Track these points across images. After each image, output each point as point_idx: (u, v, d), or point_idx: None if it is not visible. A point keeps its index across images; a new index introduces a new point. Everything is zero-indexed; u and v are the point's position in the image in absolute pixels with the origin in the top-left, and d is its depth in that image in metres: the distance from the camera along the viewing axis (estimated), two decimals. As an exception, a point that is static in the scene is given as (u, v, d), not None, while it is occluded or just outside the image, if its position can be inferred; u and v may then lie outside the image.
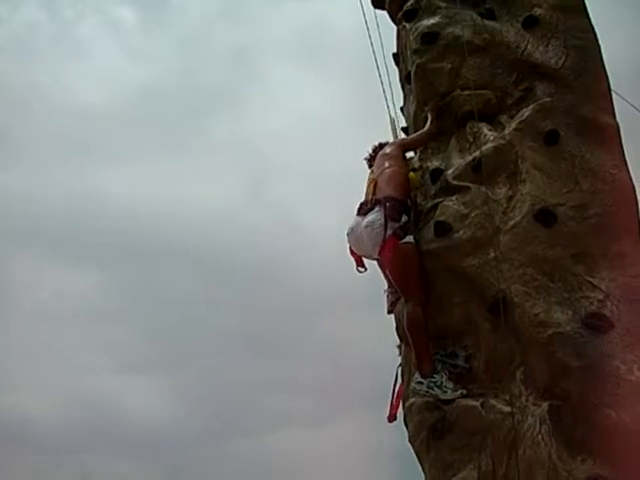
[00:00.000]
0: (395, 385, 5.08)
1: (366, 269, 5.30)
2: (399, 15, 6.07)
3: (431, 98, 5.44)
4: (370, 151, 5.82)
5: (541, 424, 3.98)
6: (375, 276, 5.60)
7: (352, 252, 5.28)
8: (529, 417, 4.05)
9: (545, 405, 4.02)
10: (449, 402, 4.35)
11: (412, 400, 4.46)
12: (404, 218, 4.85)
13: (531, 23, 5.43)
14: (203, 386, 17.45)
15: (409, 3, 5.96)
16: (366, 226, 4.93)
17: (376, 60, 6.85)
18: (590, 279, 4.32)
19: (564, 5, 5.55)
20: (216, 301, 18.51)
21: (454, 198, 4.75)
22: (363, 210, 5.05)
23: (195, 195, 20.31)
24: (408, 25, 5.84)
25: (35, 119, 21.30)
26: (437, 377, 4.44)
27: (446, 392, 4.39)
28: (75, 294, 19.21)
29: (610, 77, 5.39)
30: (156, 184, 20.81)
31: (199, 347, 17.79)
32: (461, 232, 4.59)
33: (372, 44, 6.98)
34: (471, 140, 5.07)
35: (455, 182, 4.85)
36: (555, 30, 5.38)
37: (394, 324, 5.06)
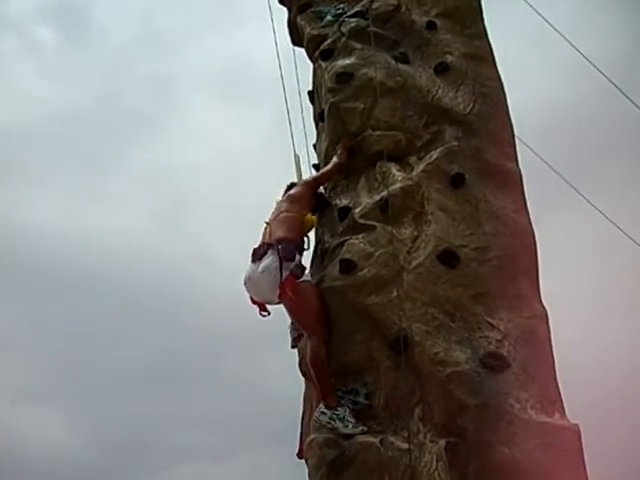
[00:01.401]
0: (303, 420, 5.08)
1: (269, 313, 5.17)
2: (316, 54, 6.17)
3: (343, 137, 5.52)
4: (283, 193, 5.74)
5: (437, 461, 4.03)
6: (283, 311, 5.61)
7: (252, 300, 5.13)
8: (426, 454, 4.10)
9: (442, 442, 4.08)
10: (349, 437, 4.36)
11: (313, 436, 4.45)
12: (297, 258, 4.85)
13: (442, 69, 5.62)
14: (105, 419, 16.94)
15: (326, 43, 6.07)
16: (262, 271, 4.85)
17: (286, 100, 6.96)
18: (489, 319, 4.44)
19: (474, 54, 5.79)
20: (121, 332, 18.08)
21: (360, 236, 4.81)
22: (257, 255, 4.95)
23: (107, 222, 19.87)
24: (324, 64, 5.94)
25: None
26: (340, 410, 4.45)
27: (347, 426, 4.40)
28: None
29: (515, 124, 5.63)
30: (68, 210, 20.30)
31: (101, 378, 17.29)
32: (365, 270, 4.64)
33: (283, 84, 7.10)
34: (380, 180, 5.16)
35: (362, 221, 4.92)
36: (465, 77, 5.59)
37: (297, 359, 5.07)
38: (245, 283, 5.05)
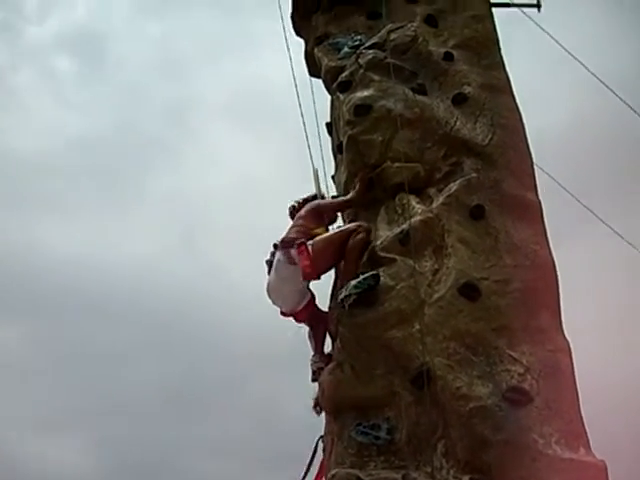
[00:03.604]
0: (313, 458, 5.08)
1: (303, 320, 5.47)
2: (334, 86, 6.20)
3: (361, 169, 5.53)
4: (295, 204, 5.95)
5: (461, 497, 4.00)
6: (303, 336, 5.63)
7: (282, 313, 5.37)
8: (450, 490, 4.07)
9: (466, 478, 4.04)
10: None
11: (334, 471, 4.41)
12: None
13: (460, 100, 5.64)
14: (124, 444, 16.95)
15: (344, 75, 6.10)
16: (275, 268, 5.14)
17: (302, 114, 6.97)
18: (511, 353, 4.40)
19: (492, 84, 5.81)
20: (141, 355, 18.14)
21: (381, 270, 4.80)
22: (270, 265, 5.25)
23: (125, 249, 20.03)
24: (342, 96, 5.97)
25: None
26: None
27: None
28: (-4, 346, 18.55)
29: (534, 151, 5.63)
30: (84, 235, 20.46)
31: (122, 403, 17.31)
32: (386, 304, 4.63)
33: (301, 107, 7.12)
34: (400, 212, 5.16)
35: (382, 254, 4.92)
36: (483, 108, 5.60)
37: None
38: (269, 295, 5.28)
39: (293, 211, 5.89)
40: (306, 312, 5.41)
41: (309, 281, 5.27)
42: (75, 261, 19.28)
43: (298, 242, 5.09)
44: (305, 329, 5.58)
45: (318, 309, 5.49)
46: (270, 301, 5.34)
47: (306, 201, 5.90)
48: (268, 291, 5.29)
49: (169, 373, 17.74)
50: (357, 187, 5.49)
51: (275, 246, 5.24)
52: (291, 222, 5.64)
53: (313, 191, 6.19)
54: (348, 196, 5.57)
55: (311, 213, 5.54)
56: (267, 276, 5.28)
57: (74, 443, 18.00)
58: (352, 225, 5.17)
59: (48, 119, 21.87)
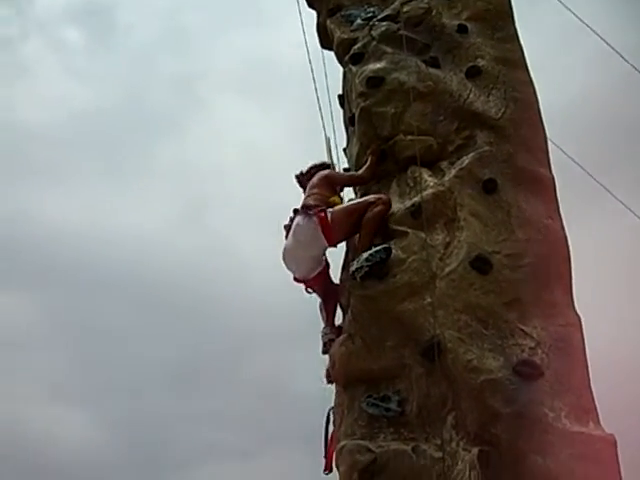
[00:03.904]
0: (327, 431, 5.10)
1: (314, 291, 5.51)
2: (346, 58, 6.17)
3: (374, 141, 5.52)
4: (304, 170, 5.97)
5: (470, 470, 3.99)
6: (314, 312, 5.65)
7: (295, 279, 5.42)
8: (459, 462, 4.06)
9: (475, 451, 4.04)
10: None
11: (343, 443, 4.44)
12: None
13: (474, 73, 5.59)
14: (129, 417, 17.08)
15: (356, 47, 6.06)
16: (293, 231, 5.20)
17: (314, 80, 6.93)
18: (522, 327, 4.39)
19: (506, 58, 5.75)
20: (146, 329, 18.21)
21: (392, 242, 4.80)
22: (288, 229, 5.30)
23: (133, 221, 20.06)
24: (354, 68, 5.94)
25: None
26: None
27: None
28: (4, 318, 18.65)
29: (548, 126, 5.59)
30: (93, 208, 20.50)
31: (126, 376, 17.43)
32: (398, 277, 4.63)
33: (314, 78, 7.08)
34: (411, 185, 5.15)
35: (394, 226, 4.92)
36: (496, 81, 5.55)
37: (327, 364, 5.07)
38: (284, 259, 5.31)
39: (301, 178, 5.93)
40: (318, 280, 5.44)
41: (325, 248, 5.29)
42: (81, 233, 19.36)
43: (319, 209, 5.13)
44: (317, 301, 5.60)
45: (331, 280, 5.52)
46: (284, 265, 5.38)
47: (314, 168, 5.93)
48: (283, 255, 5.33)
49: (175, 347, 17.84)
50: (368, 162, 5.48)
51: (295, 211, 5.31)
52: (300, 189, 5.74)
53: (321, 159, 6.18)
54: (359, 172, 5.56)
55: (324, 182, 5.55)
56: (284, 240, 5.33)
57: (81, 416, 18.16)
58: (371, 197, 5.15)
59: (56, 90, 21.83)
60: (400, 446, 4.27)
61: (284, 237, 5.35)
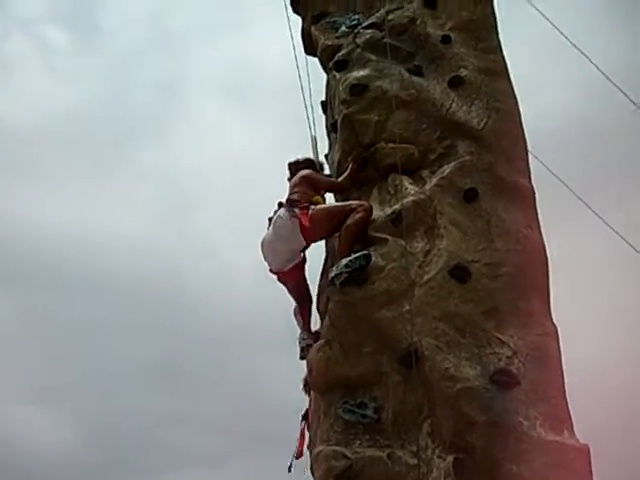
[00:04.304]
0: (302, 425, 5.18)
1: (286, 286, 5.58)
2: (330, 64, 6.18)
3: (355, 148, 5.54)
4: (300, 159, 6.10)
5: (445, 477, 4.01)
6: (291, 316, 5.65)
7: (270, 270, 5.50)
8: (434, 470, 4.08)
9: (450, 458, 4.05)
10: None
11: (319, 448, 4.44)
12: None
13: (456, 83, 5.63)
14: (105, 418, 16.96)
15: (340, 54, 6.08)
16: (275, 222, 5.31)
17: (300, 78, 6.94)
18: (499, 336, 4.42)
19: (489, 68, 5.79)
20: (128, 332, 18.11)
21: (372, 249, 4.81)
22: (271, 221, 5.41)
23: (114, 222, 19.95)
24: (338, 75, 5.95)
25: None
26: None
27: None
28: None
29: (528, 137, 5.62)
30: (75, 209, 20.36)
31: (107, 379, 17.33)
32: (377, 283, 4.63)
33: (301, 82, 7.06)
34: (392, 192, 5.17)
35: (374, 233, 4.92)
36: (479, 91, 5.59)
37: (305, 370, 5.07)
38: (262, 249, 5.43)
39: (292, 167, 6.04)
40: (293, 275, 5.50)
41: (303, 244, 5.36)
42: (62, 234, 19.24)
43: (302, 205, 5.22)
44: (292, 306, 5.60)
45: (305, 279, 5.58)
46: (261, 256, 5.47)
47: (299, 164, 5.99)
48: (262, 245, 5.44)
49: (155, 348, 17.77)
50: (348, 170, 5.51)
51: (280, 204, 5.39)
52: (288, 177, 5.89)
53: (309, 155, 6.25)
54: (340, 179, 5.60)
55: (305, 181, 5.59)
56: (265, 231, 5.42)
57: (58, 415, 18.05)
58: (354, 203, 5.17)
59: (39, 90, 21.72)
60: (376, 452, 4.28)
61: (265, 228, 5.44)
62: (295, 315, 5.60)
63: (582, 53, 8.35)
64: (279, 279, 5.56)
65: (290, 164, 6.08)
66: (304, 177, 5.63)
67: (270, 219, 5.44)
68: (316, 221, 5.16)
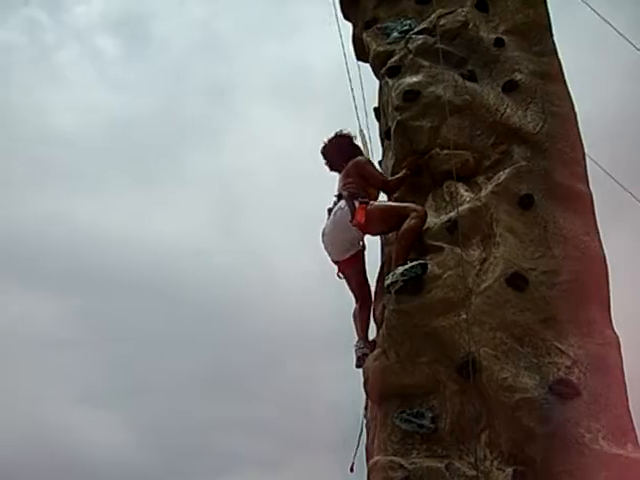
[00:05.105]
0: (359, 439, 5.11)
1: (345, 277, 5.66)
2: (382, 71, 6.16)
3: (409, 155, 5.52)
4: (327, 142, 6.11)
5: (505, 489, 3.97)
6: (345, 321, 5.65)
7: (333, 261, 5.62)
8: (493, 481, 4.04)
9: (509, 470, 4.01)
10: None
11: (376, 458, 4.42)
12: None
13: (511, 87, 5.56)
14: (159, 422, 17.17)
15: (393, 60, 6.05)
16: (335, 213, 5.41)
17: (350, 80, 6.94)
18: (558, 345, 4.35)
19: (544, 72, 5.71)
20: (179, 337, 18.27)
21: (428, 258, 4.78)
22: (331, 212, 5.52)
23: (165, 228, 20.24)
24: (391, 81, 5.93)
25: (8, 142, 21.11)
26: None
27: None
28: (33, 320, 18.87)
29: (585, 140, 5.52)
30: (126, 214, 20.71)
31: (158, 382, 17.53)
32: (433, 292, 4.60)
33: (352, 86, 7.08)
34: (447, 200, 5.13)
35: (430, 241, 4.89)
36: (534, 96, 5.51)
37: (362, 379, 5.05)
38: (323, 239, 5.56)
39: (326, 150, 6.08)
40: (352, 264, 5.57)
41: (362, 237, 5.48)
42: (114, 239, 19.55)
43: (362, 199, 5.30)
44: (351, 309, 5.60)
45: (364, 272, 5.65)
46: (322, 246, 5.60)
47: (340, 137, 6.06)
48: (322, 236, 5.57)
49: (205, 355, 17.90)
50: (401, 174, 5.51)
51: (339, 196, 5.48)
52: (324, 160, 6.07)
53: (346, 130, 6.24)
54: (391, 178, 5.62)
55: (358, 174, 5.64)
56: (325, 222, 5.57)
57: (111, 420, 18.29)
58: (411, 206, 5.14)
59: (92, 98, 22.16)
60: (433, 463, 4.24)
61: (325, 219, 5.57)
62: (354, 319, 5.58)
63: (637, 49, 8.13)
64: (339, 270, 5.63)
65: (325, 145, 6.09)
66: (357, 172, 5.65)
67: (330, 210, 5.55)
68: (372, 218, 5.22)
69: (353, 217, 5.24)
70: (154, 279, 18.79)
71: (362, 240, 5.56)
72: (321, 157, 6.13)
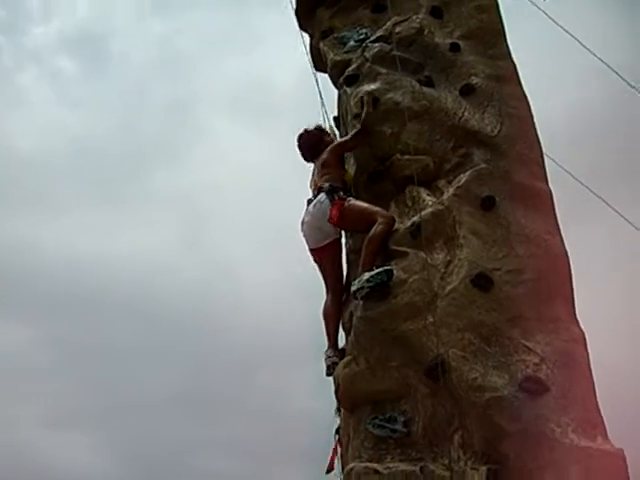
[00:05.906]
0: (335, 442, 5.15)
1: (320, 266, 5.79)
2: (340, 80, 6.19)
3: (370, 162, 5.56)
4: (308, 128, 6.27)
5: (479, 488, 4.00)
6: (313, 329, 5.66)
7: (310, 250, 5.75)
8: (468, 481, 4.07)
9: (483, 469, 4.04)
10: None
11: (351, 465, 4.42)
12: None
13: (468, 91, 5.62)
14: (134, 443, 16.96)
15: (350, 68, 6.09)
16: (314, 205, 5.55)
17: (317, 81, 7.00)
18: (526, 343, 4.39)
19: (499, 75, 5.78)
20: (151, 352, 18.12)
21: (393, 263, 4.80)
22: (310, 202, 5.65)
23: (133, 246, 20.04)
24: (349, 90, 5.96)
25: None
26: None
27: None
28: (4, 349, 18.58)
29: (544, 139, 5.60)
30: (93, 234, 20.45)
31: (131, 402, 17.32)
32: (399, 297, 4.62)
33: (321, 96, 7.14)
34: (410, 205, 5.16)
35: (394, 247, 4.92)
36: (491, 98, 5.58)
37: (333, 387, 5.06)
38: (302, 227, 5.70)
39: (302, 140, 6.22)
40: (329, 251, 5.68)
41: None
42: (79, 260, 19.31)
43: (340, 196, 5.44)
44: (320, 306, 5.66)
45: (340, 260, 5.73)
46: (301, 235, 5.75)
47: (311, 134, 6.20)
48: (301, 225, 5.71)
49: (178, 371, 17.76)
50: (354, 130, 5.66)
51: (320, 189, 5.59)
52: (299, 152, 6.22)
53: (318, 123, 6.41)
54: (346, 138, 5.81)
55: (335, 158, 5.77)
56: (305, 210, 5.72)
57: (85, 441, 18.05)
58: (381, 212, 5.19)
59: (51, 118, 21.93)
60: (408, 467, 4.25)
61: (304, 209, 5.70)
62: (324, 317, 5.56)
63: (590, 51, 8.28)
64: (315, 259, 5.74)
65: (301, 136, 6.22)
66: (334, 154, 5.78)
67: (310, 200, 5.67)
68: (345, 217, 5.33)
69: (331, 209, 5.39)
70: (125, 297, 18.62)
71: (341, 233, 5.70)
72: (297, 149, 6.29)
